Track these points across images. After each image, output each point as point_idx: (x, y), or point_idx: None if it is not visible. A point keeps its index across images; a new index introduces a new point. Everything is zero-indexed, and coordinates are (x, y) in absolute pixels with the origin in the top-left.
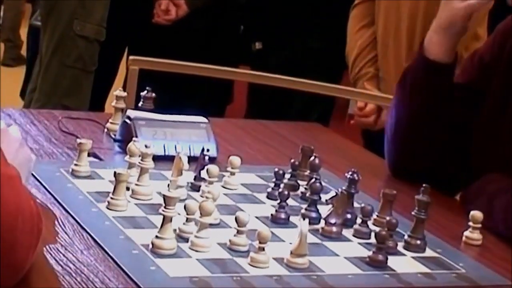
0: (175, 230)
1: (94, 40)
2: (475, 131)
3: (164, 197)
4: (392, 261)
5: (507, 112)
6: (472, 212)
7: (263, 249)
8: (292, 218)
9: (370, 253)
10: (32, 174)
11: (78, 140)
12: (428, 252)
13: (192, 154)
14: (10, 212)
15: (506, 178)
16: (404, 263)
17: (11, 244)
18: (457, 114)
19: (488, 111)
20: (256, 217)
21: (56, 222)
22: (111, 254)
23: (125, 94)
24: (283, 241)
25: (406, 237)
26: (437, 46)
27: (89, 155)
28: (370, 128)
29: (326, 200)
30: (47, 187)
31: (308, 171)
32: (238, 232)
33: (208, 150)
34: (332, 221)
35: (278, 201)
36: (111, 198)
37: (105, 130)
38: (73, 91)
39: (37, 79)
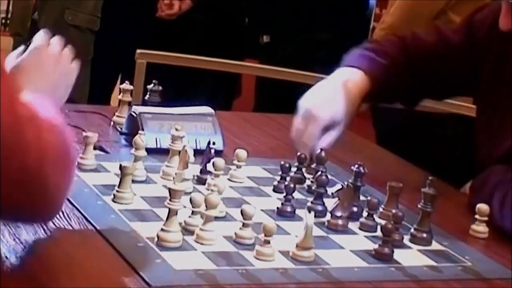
0: (180, 223)
1: (86, 29)
2: (477, 125)
3: (170, 190)
4: (398, 254)
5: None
6: (478, 205)
7: (268, 242)
8: (298, 211)
9: (376, 246)
10: None
11: (84, 133)
12: (434, 245)
13: (198, 147)
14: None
15: (509, 170)
16: (410, 256)
17: (42, 177)
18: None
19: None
20: (262, 210)
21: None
22: (116, 247)
23: (131, 87)
24: (289, 234)
25: (412, 230)
26: None
27: (95, 148)
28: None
29: (332, 193)
30: None
31: (314, 164)
32: (244, 225)
33: (214, 143)
34: (338, 214)
35: (284, 194)
36: (117, 191)
37: (112, 123)
38: None
39: None
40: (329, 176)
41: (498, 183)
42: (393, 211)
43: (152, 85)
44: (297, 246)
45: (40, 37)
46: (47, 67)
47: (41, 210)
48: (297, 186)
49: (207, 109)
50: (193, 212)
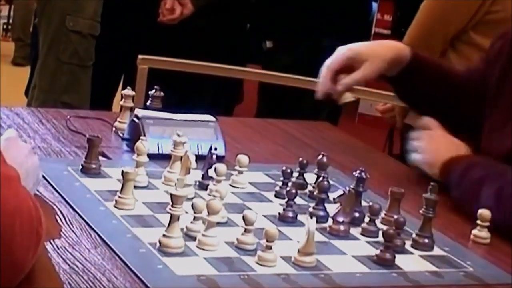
0: (182, 229)
1: (87, 34)
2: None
3: (172, 195)
4: (400, 259)
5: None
6: (480, 211)
7: (270, 247)
8: (299, 217)
9: (378, 251)
10: None
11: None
12: (436, 251)
13: (200, 153)
14: (8, 212)
15: (489, 162)
16: (411, 262)
17: (9, 245)
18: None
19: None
20: (264, 216)
21: (56, 216)
22: (118, 253)
23: (133, 93)
24: (291, 239)
25: (414, 235)
26: None
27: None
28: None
29: (334, 199)
30: (54, 185)
31: (316, 170)
32: (246, 230)
33: (216, 149)
34: (340, 219)
35: (286, 199)
36: (119, 196)
37: (113, 129)
38: (71, 87)
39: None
40: (331, 182)
41: (483, 177)
42: (395, 216)
43: (153, 90)
44: (299, 251)
45: (11, 131)
46: (20, 155)
47: (5, 275)
48: (298, 191)
49: (208, 117)
50: (195, 218)
